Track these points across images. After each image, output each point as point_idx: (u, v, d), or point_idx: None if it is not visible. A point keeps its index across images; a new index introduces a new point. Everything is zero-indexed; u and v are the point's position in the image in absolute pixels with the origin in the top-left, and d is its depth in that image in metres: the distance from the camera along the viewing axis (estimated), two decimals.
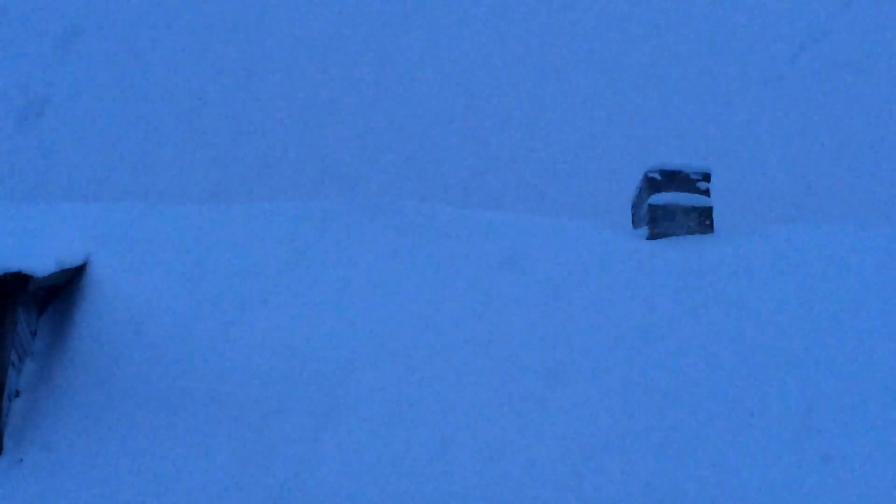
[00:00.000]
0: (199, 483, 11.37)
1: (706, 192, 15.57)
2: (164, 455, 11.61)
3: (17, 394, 12.16)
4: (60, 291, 13.07)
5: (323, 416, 12.11)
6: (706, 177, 15.71)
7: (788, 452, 11.96)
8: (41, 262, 12.21)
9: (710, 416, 12.34)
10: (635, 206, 16.10)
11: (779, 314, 13.51)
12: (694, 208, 15.26)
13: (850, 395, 12.58)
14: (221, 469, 11.49)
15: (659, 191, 15.51)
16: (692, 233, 15.12)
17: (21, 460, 11.55)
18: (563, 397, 12.46)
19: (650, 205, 15.26)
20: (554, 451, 11.89)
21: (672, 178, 15.59)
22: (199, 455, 11.63)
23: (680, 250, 14.54)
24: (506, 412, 12.27)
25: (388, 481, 11.47)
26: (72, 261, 12.88)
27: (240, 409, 12.08)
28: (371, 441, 11.87)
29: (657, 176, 15.61)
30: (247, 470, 11.48)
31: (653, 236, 15.08)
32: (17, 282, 11.94)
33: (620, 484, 11.59)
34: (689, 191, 15.52)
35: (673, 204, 15.27)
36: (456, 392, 12.44)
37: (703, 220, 15.23)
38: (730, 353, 13.06)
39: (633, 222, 16.15)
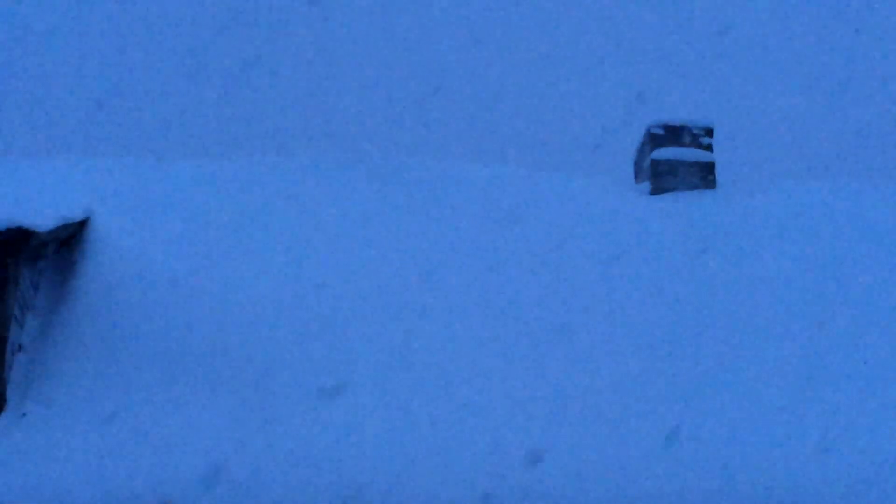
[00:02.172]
0: (201, 438, 11.41)
1: (709, 148, 15.54)
2: (167, 410, 11.65)
3: (20, 348, 12.19)
4: (62, 246, 13.07)
5: (325, 371, 12.13)
6: (709, 132, 15.68)
7: (794, 407, 11.99)
8: (43, 216, 12.21)
9: (713, 371, 12.35)
10: (637, 162, 16.08)
11: (781, 269, 13.51)
12: (696, 163, 15.24)
13: (855, 350, 12.59)
14: (222, 424, 11.53)
15: (661, 146, 15.48)
16: (694, 188, 15.10)
17: (24, 414, 11.59)
18: (566, 352, 12.48)
19: (652, 160, 15.23)
20: (558, 406, 11.92)
21: (674, 134, 15.56)
22: (201, 409, 11.67)
23: (682, 206, 14.53)
24: (509, 367, 12.29)
25: (389, 436, 11.50)
26: (73, 215, 12.87)
27: (241, 365, 12.10)
28: (373, 396, 11.89)
29: (660, 131, 15.58)
30: (248, 425, 11.51)
31: (655, 191, 15.07)
32: (19, 237, 11.94)
33: (625, 437, 11.63)
34: (691, 146, 15.49)
35: (675, 159, 15.24)
36: (459, 348, 12.45)
37: (705, 176, 15.21)
38: (732, 307, 13.06)
39: (635, 177, 16.12)
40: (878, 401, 12.08)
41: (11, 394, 11.78)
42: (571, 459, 11.38)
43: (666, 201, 14.65)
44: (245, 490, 11.00)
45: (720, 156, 15.77)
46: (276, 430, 11.52)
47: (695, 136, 15.57)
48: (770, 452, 11.52)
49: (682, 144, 15.49)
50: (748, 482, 11.25)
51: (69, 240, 13.11)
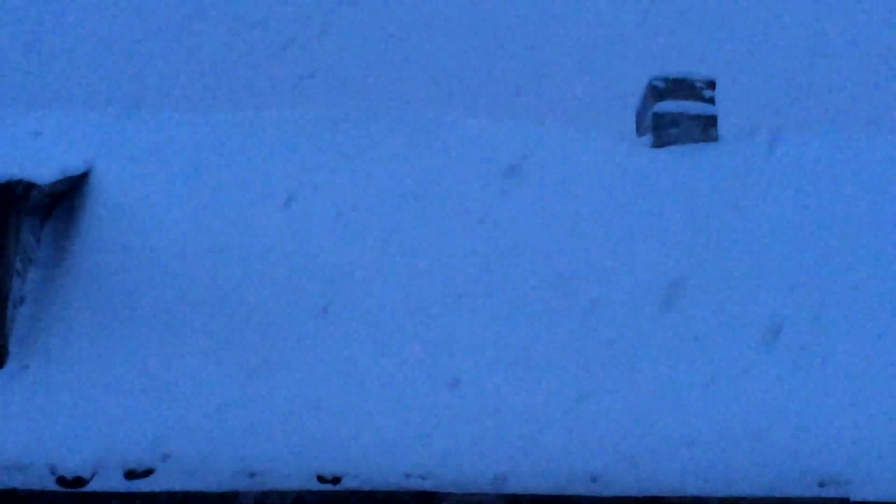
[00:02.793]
0: (201, 389, 11.44)
1: (711, 101, 15.49)
2: (168, 361, 11.67)
3: (22, 301, 12.20)
4: (64, 200, 13.06)
5: (326, 325, 12.16)
6: (711, 84, 15.62)
7: (793, 361, 12.01)
8: (44, 169, 12.21)
9: (716, 323, 12.37)
10: (639, 115, 16.04)
11: (784, 223, 13.49)
12: (699, 116, 15.19)
13: (856, 304, 12.60)
14: (223, 375, 11.56)
15: (663, 99, 15.43)
16: (697, 141, 15.06)
17: (27, 367, 11.62)
18: (568, 305, 12.49)
19: (654, 113, 15.19)
20: (560, 359, 11.94)
21: (677, 86, 15.50)
22: (202, 361, 11.69)
23: (684, 158, 14.50)
24: (511, 320, 12.31)
25: (389, 391, 11.53)
26: (74, 168, 12.86)
27: (242, 316, 12.12)
28: (371, 348, 11.91)
29: (661, 84, 15.53)
30: (249, 380, 11.54)
31: (657, 144, 15.03)
32: (20, 189, 11.94)
33: (627, 391, 11.65)
34: (694, 99, 15.44)
35: (677, 112, 15.20)
36: (460, 301, 12.47)
37: (707, 129, 15.17)
38: (734, 260, 13.06)
39: (637, 130, 16.09)
40: (877, 354, 12.10)
41: (14, 347, 11.81)
42: (572, 412, 11.41)
43: (668, 154, 14.63)
44: (245, 441, 11.04)
45: (723, 109, 15.73)
46: (275, 381, 11.54)
47: (697, 89, 15.52)
48: (772, 403, 11.55)
49: (684, 97, 15.44)
50: (750, 435, 11.30)
51: (70, 193, 13.10)
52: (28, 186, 11.96)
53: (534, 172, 14.03)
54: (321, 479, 10.91)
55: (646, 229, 13.38)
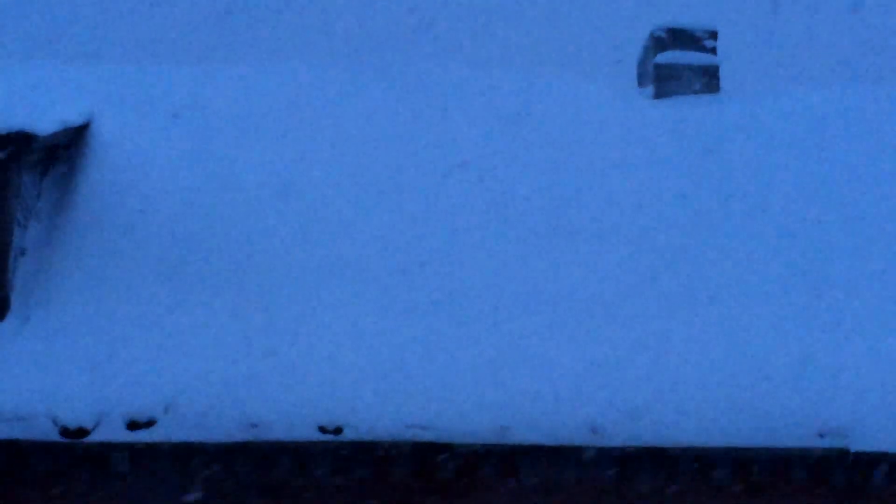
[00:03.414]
0: (203, 343, 11.45)
1: (713, 51, 15.43)
2: (170, 315, 11.68)
3: (23, 252, 12.20)
4: (64, 151, 13.04)
5: (325, 273, 12.15)
6: (713, 35, 15.55)
7: (793, 311, 12.02)
8: (44, 121, 12.18)
9: (716, 273, 12.37)
10: (641, 65, 15.98)
11: (785, 173, 13.47)
12: (700, 67, 15.14)
13: (859, 254, 12.59)
14: (225, 329, 11.57)
15: (665, 49, 15.36)
16: (698, 92, 15.02)
17: (28, 319, 11.63)
18: (568, 256, 12.49)
19: (656, 64, 15.13)
20: (561, 310, 11.95)
21: (678, 37, 15.43)
22: (204, 315, 11.70)
23: (686, 110, 14.45)
24: (510, 270, 12.31)
25: (391, 342, 11.54)
26: (75, 120, 12.83)
27: (242, 267, 12.12)
28: (372, 299, 11.92)
29: (663, 34, 15.46)
30: (251, 331, 11.55)
31: (658, 95, 14.99)
32: (21, 141, 11.92)
33: (628, 342, 11.67)
34: (695, 49, 15.37)
35: (679, 63, 15.14)
36: (459, 249, 12.46)
37: (709, 80, 15.11)
38: (734, 212, 13.05)
39: (638, 82, 16.04)
40: (879, 305, 12.10)
41: (15, 298, 11.81)
42: (573, 363, 11.44)
43: (669, 105, 14.58)
44: (247, 392, 11.07)
45: (724, 60, 15.66)
46: (277, 332, 11.56)
47: (699, 40, 15.45)
48: (772, 354, 11.57)
49: (686, 48, 15.38)
50: (750, 387, 11.32)
51: (71, 144, 13.08)
52: (28, 138, 11.93)
53: (534, 124, 14.00)
54: (323, 429, 10.95)
55: (646, 181, 13.36)
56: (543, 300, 12.02)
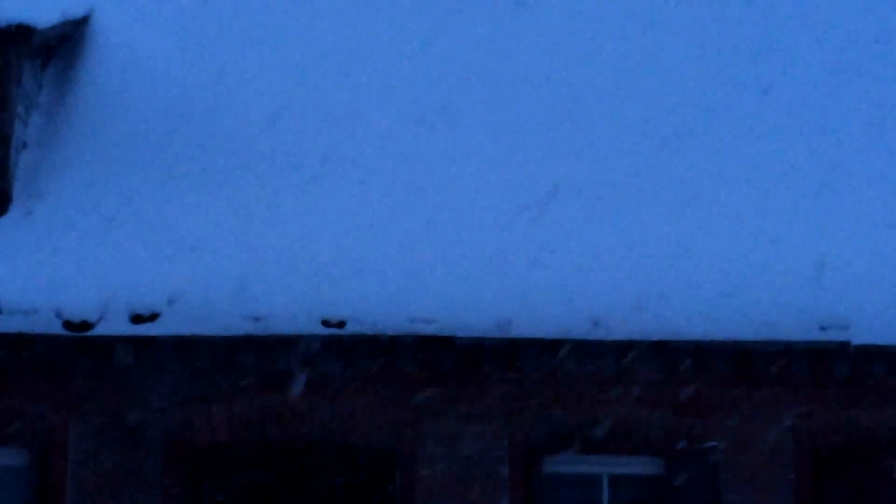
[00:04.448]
0: (206, 236, 11.43)
1: None
2: (173, 208, 11.65)
3: (25, 145, 12.16)
4: (65, 43, 12.95)
5: (329, 166, 12.12)
6: None
7: (796, 203, 11.99)
8: (44, 13, 12.08)
9: (722, 166, 12.32)
10: None
11: (797, 52, 13.37)
12: None
13: (868, 151, 12.52)
14: (229, 222, 11.55)
15: None
16: None
17: (31, 212, 11.61)
18: (570, 144, 12.44)
19: None
20: (564, 201, 11.90)
21: None
22: (208, 208, 11.68)
23: None
24: (514, 160, 12.26)
25: (394, 236, 11.52)
26: (75, 12, 12.74)
27: (246, 163, 12.09)
28: (375, 192, 11.89)
29: None
30: (255, 224, 11.53)
31: None
32: (21, 33, 11.83)
33: (630, 234, 11.64)
34: None
35: None
36: (465, 139, 12.41)
37: None
38: (744, 93, 12.96)
39: None
40: (880, 198, 12.06)
41: (17, 192, 11.77)
42: (575, 256, 11.43)
43: None
44: (250, 286, 11.06)
45: None
46: (279, 225, 11.53)
47: None
48: (773, 247, 11.55)
49: None
50: (752, 280, 11.33)
51: (71, 36, 12.98)
52: (28, 30, 11.83)
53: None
54: (326, 323, 10.96)
55: (654, 56, 13.24)
56: (546, 192, 11.97)
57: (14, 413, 11.05)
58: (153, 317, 10.94)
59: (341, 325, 10.96)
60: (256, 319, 10.93)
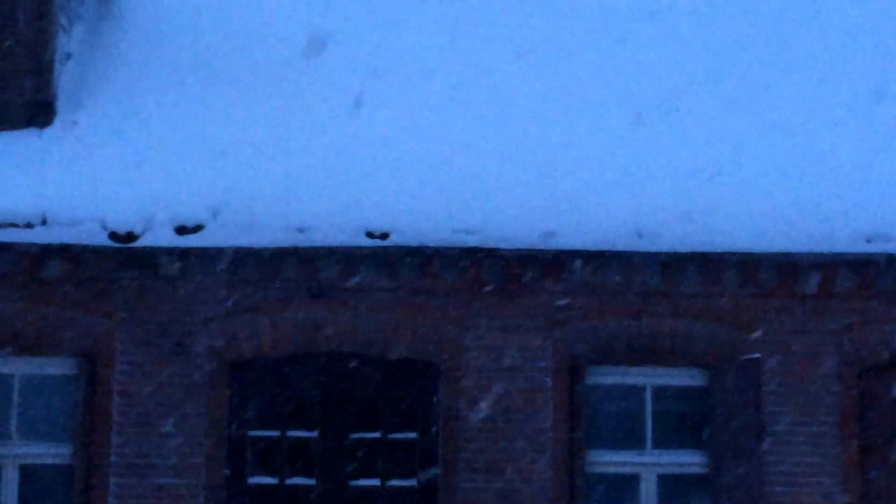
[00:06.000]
0: (251, 147, 11.44)
1: None
2: (214, 119, 11.65)
3: (69, 56, 12.15)
4: None
5: (373, 77, 12.09)
6: None
7: (844, 117, 11.90)
8: None
9: (771, 77, 12.22)
10: None
11: None
12: None
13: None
14: (274, 134, 11.54)
15: None
16: None
17: (75, 123, 11.63)
18: (615, 56, 12.37)
19: None
20: (608, 115, 11.86)
21: None
22: (252, 119, 11.68)
23: None
24: (556, 74, 12.21)
25: (438, 148, 11.50)
26: None
27: (289, 73, 12.06)
28: (422, 107, 11.86)
29: None
30: (300, 136, 11.53)
31: None
32: None
33: (676, 146, 11.59)
34: None
35: None
36: (504, 56, 12.37)
37: None
38: (796, 11, 12.83)
39: None
40: None
41: (61, 103, 11.77)
42: (619, 168, 11.40)
43: None
44: (295, 197, 11.08)
45: None
46: (323, 136, 11.54)
47: None
48: (821, 160, 11.49)
49: None
50: (798, 192, 11.27)
51: None
52: None
53: None
54: (370, 234, 10.98)
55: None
56: (590, 103, 11.92)
57: (62, 323, 11.15)
58: (197, 228, 10.99)
59: (384, 236, 10.98)
60: (300, 231, 10.96)
